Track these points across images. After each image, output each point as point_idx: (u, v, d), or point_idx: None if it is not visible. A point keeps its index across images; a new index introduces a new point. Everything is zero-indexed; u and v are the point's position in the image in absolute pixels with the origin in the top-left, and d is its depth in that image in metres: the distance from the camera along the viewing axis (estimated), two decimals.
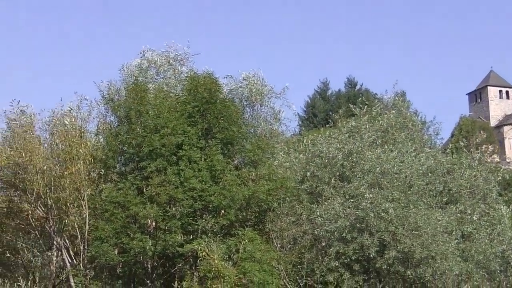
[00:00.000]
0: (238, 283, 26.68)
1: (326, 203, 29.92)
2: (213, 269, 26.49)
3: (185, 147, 28.80)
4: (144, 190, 28.67)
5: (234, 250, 27.60)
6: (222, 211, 28.59)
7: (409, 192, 29.65)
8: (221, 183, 28.77)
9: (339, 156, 31.45)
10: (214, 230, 28.36)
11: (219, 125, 30.00)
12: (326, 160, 31.74)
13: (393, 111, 35.76)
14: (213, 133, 29.93)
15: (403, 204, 28.97)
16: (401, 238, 28.23)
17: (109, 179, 31.23)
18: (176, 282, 28.79)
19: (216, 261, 26.45)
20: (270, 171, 30.22)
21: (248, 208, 29.74)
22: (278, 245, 29.83)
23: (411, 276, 28.65)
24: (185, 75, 33.83)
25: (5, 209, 32.49)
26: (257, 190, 29.02)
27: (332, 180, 30.95)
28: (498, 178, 35.09)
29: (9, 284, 28.71)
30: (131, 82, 31.71)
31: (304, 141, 35.47)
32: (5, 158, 30.71)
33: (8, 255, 34.34)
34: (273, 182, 29.73)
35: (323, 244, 29.92)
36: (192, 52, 38.05)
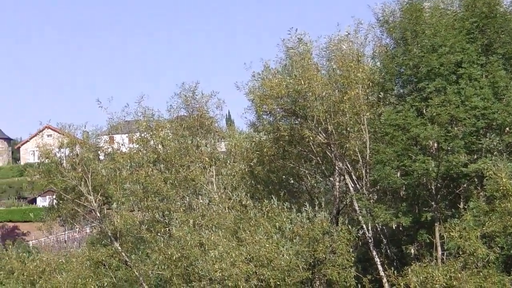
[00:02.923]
0: None
1: None
2: (501, 188, 27.52)
3: (464, 65, 29.81)
4: (424, 111, 30.19)
5: None
6: (507, 129, 29.41)
7: None
8: (504, 99, 29.55)
9: None
10: (499, 149, 29.29)
11: (500, 40, 30.55)
12: None
13: None
14: (493, 49, 30.58)
15: None
16: None
17: (387, 102, 33.12)
18: (461, 202, 30.27)
19: (504, 180, 27.42)
20: None
21: None
22: None
23: None
24: None
25: (287, 137, 35.53)
26: None
27: None
28: None
29: (295, 209, 31.69)
30: (405, 2, 32.78)
31: None
32: (285, 86, 33.56)
33: (292, 181, 37.68)
34: None
35: None
36: None
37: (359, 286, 30.72)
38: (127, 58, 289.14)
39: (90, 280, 38.02)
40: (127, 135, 42.37)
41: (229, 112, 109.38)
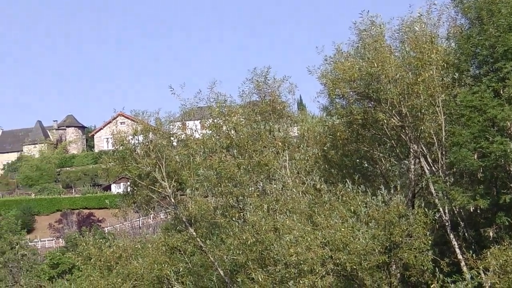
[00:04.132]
0: None
1: None
2: None
3: None
4: (501, 92, 29.80)
5: None
6: None
7: None
8: None
9: None
10: None
11: None
12: None
13: None
14: None
15: None
16: None
17: (462, 83, 32.77)
18: None
19: None
20: None
21: None
22: None
23: None
24: None
25: (360, 120, 35.48)
26: None
27: None
28: None
29: (370, 193, 31.62)
30: None
31: None
32: (357, 69, 33.53)
33: (366, 165, 37.58)
34: None
35: None
36: None
37: (437, 269, 30.51)
38: (198, 44, 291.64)
39: (166, 265, 38.61)
40: (199, 121, 42.73)
41: (300, 97, 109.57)
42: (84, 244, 42.09)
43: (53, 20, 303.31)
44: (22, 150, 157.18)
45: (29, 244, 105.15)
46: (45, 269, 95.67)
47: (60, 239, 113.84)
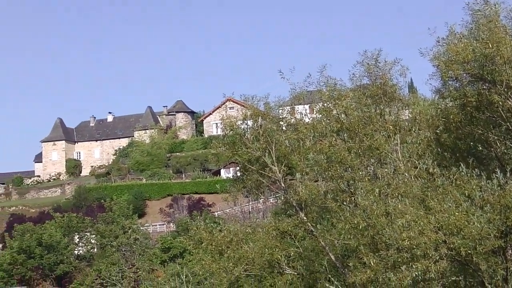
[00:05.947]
0: None
1: None
2: None
3: None
4: None
5: None
6: None
7: None
8: None
9: None
10: None
11: None
12: None
13: None
14: None
15: None
16: None
17: None
18: None
19: None
20: None
21: None
22: None
23: None
24: None
25: (474, 102, 34.99)
26: None
27: None
28: None
29: (485, 177, 31.21)
30: None
31: None
32: (471, 50, 33.08)
33: (480, 148, 37.02)
34: None
35: None
36: None
37: None
38: (307, 27, 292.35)
39: (277, 250, 39.05)
40: (309, 105, 42.86)
41: (411, 79, 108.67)
42: (195, 229, 42.80)
43: (162, 8, 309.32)
44: (133, 136, 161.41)
45: (141, 228, 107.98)
46: (157, 253, 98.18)
47: (171, 224, 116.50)
